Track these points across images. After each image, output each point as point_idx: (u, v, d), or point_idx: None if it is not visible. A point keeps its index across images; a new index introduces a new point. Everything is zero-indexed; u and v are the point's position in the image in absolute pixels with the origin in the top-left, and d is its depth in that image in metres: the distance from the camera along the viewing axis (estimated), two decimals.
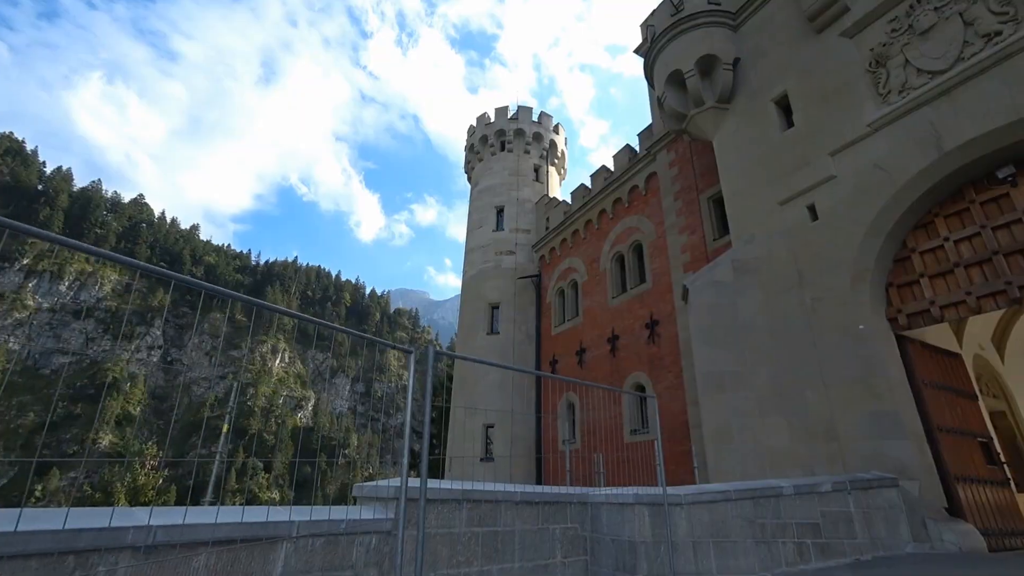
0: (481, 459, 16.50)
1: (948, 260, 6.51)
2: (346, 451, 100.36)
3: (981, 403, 7.45)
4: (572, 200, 18.60)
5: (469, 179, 25.43)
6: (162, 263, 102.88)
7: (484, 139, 23.83)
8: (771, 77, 9.07)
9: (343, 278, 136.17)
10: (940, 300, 6.49)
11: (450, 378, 25.03)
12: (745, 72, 9.66)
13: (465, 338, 19.62)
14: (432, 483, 3.65)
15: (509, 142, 23.21)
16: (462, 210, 28.96)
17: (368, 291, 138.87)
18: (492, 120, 23.98)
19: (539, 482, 15.66)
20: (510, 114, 23.67)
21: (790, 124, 8.58)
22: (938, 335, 8.34)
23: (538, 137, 23.48)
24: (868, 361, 6.59)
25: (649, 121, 15.27)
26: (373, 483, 3.56)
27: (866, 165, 7.12)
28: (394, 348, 2.50)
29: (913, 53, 6.95)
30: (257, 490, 72.41)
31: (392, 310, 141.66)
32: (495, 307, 19.46)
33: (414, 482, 3.27)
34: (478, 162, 24.05)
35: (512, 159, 22.94)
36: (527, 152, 23.14)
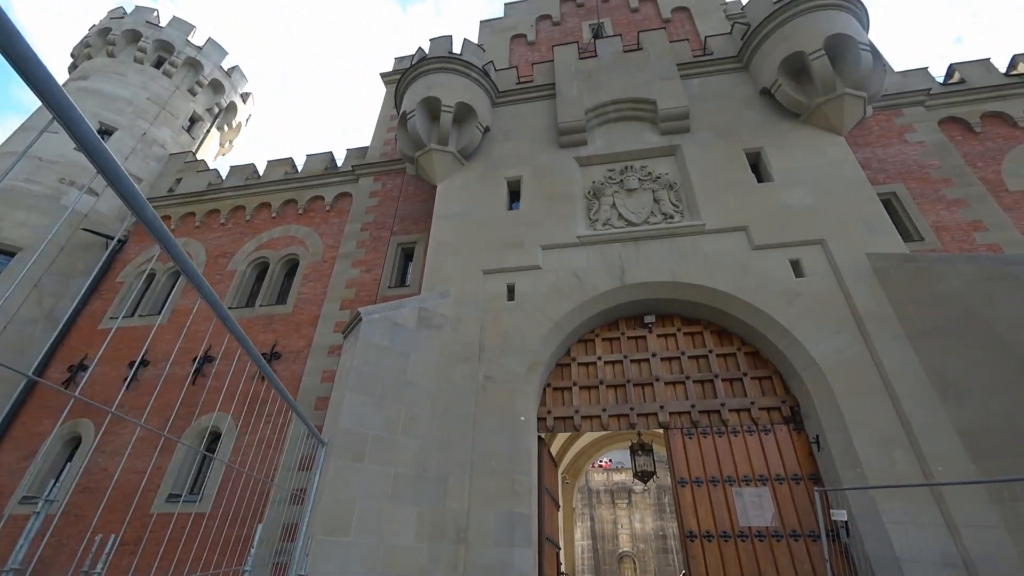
0: None
1: (597, 377, 7.12)
2: None
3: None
4: (229, 175, 14.16)
5: (74, 67, 16.71)
6: None
7: (135, 36, 16.59)
8: (511, 159, 9.27)
9: None
10: (583, 411, 6.86)
11: None
12: (491, 143, 9.66)
13: None
14: None
15: (173, 65, 16.83)
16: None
17: None
18: (161, 25, 17.21)
19: None
20: (191, 36, 17.61)
21: (515, 206, 8.69)
22: None
23: (218, 87, 18.06)
24: (518, 456, 6.10)
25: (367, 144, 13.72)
26: None
27: (567, 269, 7.51)
28: None
29: (619, 201, 8.20)
30: None
31: None
32: (10, 254, 11.62)
33: None
34: (106, 55, 16.22)
35: (167, 86, 16.50)
36: (193, 93, 17.22)
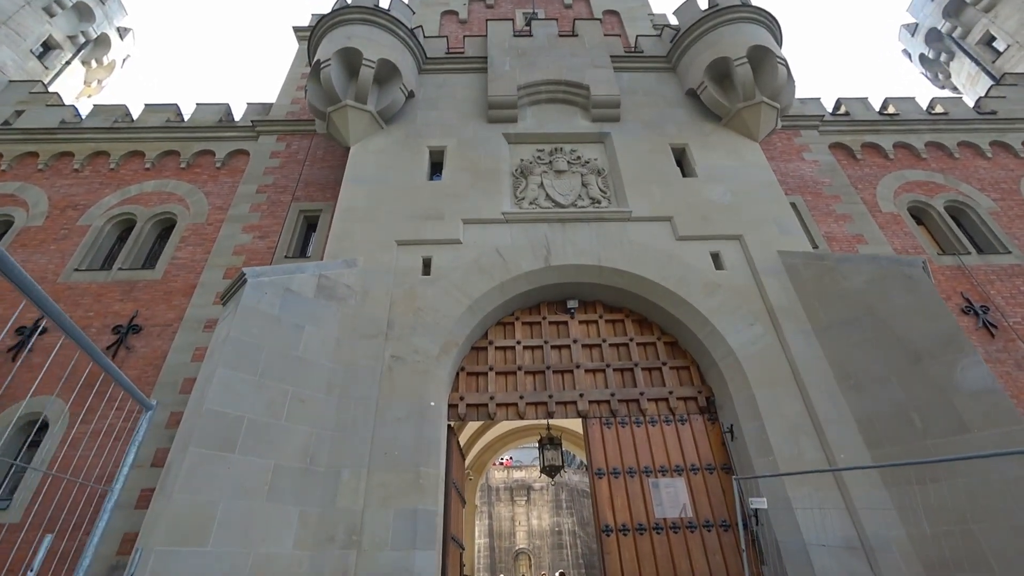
0: None
1: (515, 362, 6.64)
2: None
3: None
4: (91, 114, 11.78)
5: None
6: None
7: None
8: (436, 128, 8.56)
9: None
10: (499, 398, 6.34)
11: None
12: (415, 109, 8.88)
13: None
14: None
15: None
16: None
17: None
18: None
19: None
20: None
21: (437, 177, 7.99)
22: None
23: (85, 12, 15.14)
24: (426, 447, 5.41)
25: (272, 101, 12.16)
26: None
27: (490, 246, 6.97)
28: None
29: (547, 181, 7.84)
30: None
31: None
32: None
33: None
34: None
35: None
36: (50, 13, 14.21)
